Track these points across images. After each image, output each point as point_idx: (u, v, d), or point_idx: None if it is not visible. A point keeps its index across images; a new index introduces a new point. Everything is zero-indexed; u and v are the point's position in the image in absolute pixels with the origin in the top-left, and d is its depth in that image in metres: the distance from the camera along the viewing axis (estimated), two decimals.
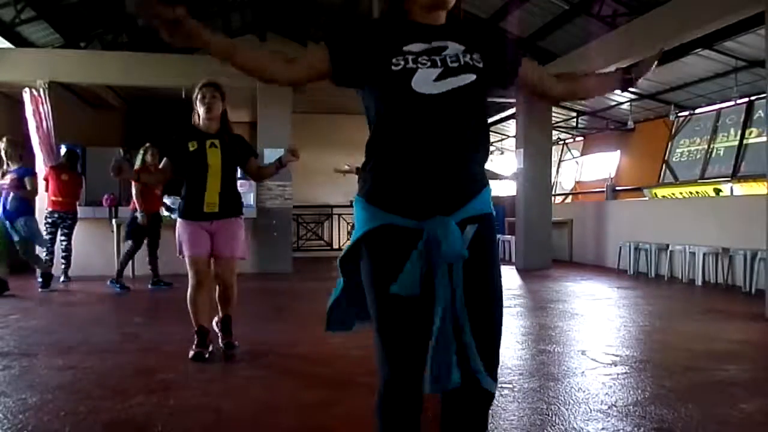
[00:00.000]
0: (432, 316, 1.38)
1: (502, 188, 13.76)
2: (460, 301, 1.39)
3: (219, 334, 3.83)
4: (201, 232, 3.56)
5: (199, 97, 3.58)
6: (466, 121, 1.44)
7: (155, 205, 6.93)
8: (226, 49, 1.44)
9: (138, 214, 6.63)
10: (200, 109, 3.58)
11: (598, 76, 1.75)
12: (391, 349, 1.44)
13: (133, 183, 6.50)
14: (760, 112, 8.99)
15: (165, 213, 7.25)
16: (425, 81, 1.40)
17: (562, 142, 13.65)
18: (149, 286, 6.93)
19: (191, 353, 3.59)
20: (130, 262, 7.87)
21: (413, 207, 1.40)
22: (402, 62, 1.42)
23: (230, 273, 3.67)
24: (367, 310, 1.50)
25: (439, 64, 1.43)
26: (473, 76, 1.44)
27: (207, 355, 3.58)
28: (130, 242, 6.87)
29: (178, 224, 3.62)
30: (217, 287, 3.72)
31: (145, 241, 6.93)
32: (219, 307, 3.79)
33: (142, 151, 6.82)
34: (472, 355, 1.38)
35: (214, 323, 3.87)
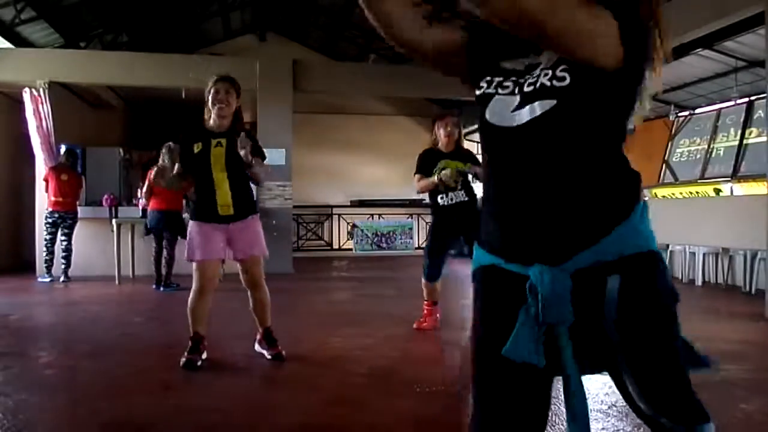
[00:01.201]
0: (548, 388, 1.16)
1: None
2: (572, 371, 1.11)
3: (265, 351, 3.58)
4: (216, 235, 3.37)
5: (212, 92, 3.35)
6: (556, 154, 1.12)
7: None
8: None
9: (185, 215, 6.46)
10: (212, 106, 3.35)
11: None
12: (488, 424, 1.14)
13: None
14: (760, 112, 8.97)
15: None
16: (501, 111, 1.16)
17: None
18: (161, 289, 6.79)
19: (182, 360, 3.38)
20: (131, 262, 7.89)
21: (513, 248, 1.15)
22: (485, 84, 1.20)
23: (259, 272, 3.48)
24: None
25: (518, 90, 1.15)
26: (553, 102, 1.10)
27: (199, 363, 3.40)
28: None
29: (190, 226, 3.43)
30: (250, 296, 3.54)
31: (163, 241, 6.82)
32: (257, 321, 3.57)
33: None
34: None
35: (256, 342, 3.68)
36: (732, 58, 7.62)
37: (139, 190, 7.66)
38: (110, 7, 8.64)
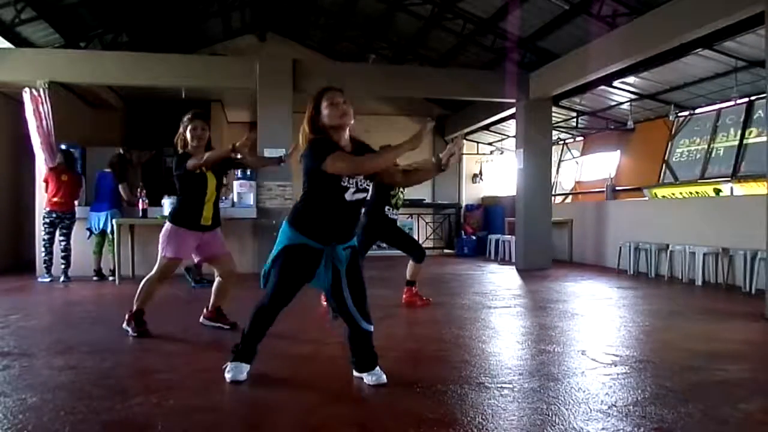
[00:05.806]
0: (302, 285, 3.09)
1: (501, 188, 13.76)
2: (345, 283, 3.02)
3: (219, 324, 4.49)
4: (190, 241, 4.23)
5: (190, 127, 4.18)
6: (360, 211, 3.13)
7: None
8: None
9: None
10: (191, 138, 4.18)
11: (424, 172, 3.24)
12: (284, 296, 3.08)
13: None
14: (760, 112, 8.97)
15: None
16: (350, 194, 2.97)
17: (562, 142, 13.62)
18: (195, 286, 6.87)
19: (133, 333, 4.25)
20: (130, 262, 7.89)
21: (324, 238, 2.99)
22: (346, 183, 2.94)
23: (234, 263, 4.50)
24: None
25: (355, 186, 2.97)
26: (365, 193, 3.06)
27: (135, 334, 4.26)
28: None
29: (170, 228, 4.17)
30: (221, 279, 4.46)
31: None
32: (215, 299, 4.51)
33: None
34: (354, 313, 3.03)
35: (204, 317, 4.61)
36: (732, 58, 7.61)
37: (139, 190, 7.66)
38: (110, 7, 8.64)
